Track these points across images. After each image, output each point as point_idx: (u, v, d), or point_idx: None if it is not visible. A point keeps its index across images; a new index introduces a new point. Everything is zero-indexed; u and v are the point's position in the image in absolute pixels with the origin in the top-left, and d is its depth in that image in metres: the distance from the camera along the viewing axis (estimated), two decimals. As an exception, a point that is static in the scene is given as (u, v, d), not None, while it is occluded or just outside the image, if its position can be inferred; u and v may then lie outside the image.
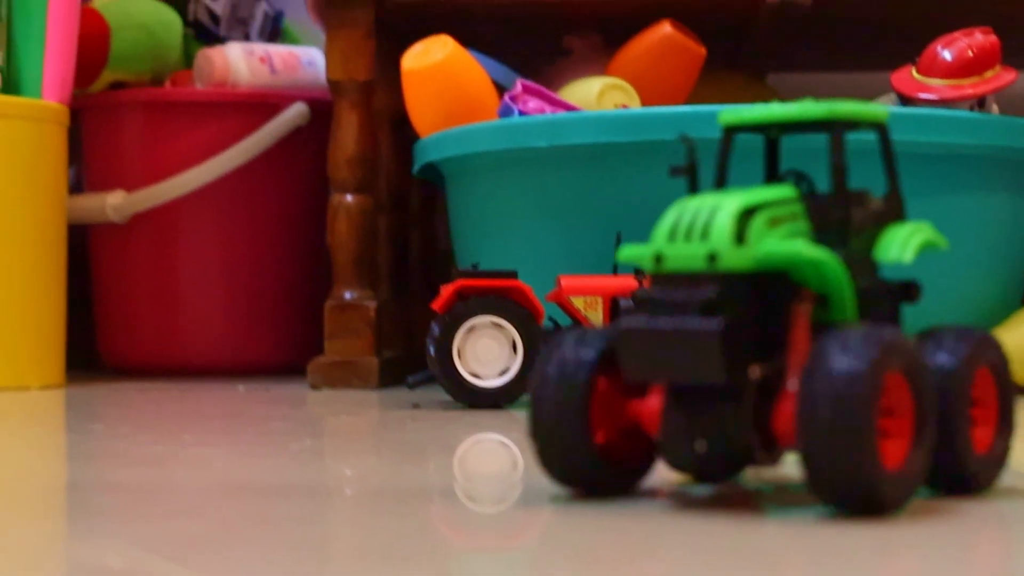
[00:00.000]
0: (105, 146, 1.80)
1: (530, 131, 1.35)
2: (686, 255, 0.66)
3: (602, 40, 1.65)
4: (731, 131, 0.72)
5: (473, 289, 1.25)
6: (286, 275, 1.81)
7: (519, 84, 1.43)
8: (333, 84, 1.56)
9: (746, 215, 0.66)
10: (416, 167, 1.52)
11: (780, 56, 1.81)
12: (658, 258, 0.66)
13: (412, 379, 1.33)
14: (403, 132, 1.73)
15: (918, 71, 1.41)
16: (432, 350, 1.24)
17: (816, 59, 1.89)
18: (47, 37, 1.58)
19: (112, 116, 1.79)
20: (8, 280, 1.53)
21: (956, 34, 1.40)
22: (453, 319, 1.24)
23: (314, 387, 1.53)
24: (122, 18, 1.74)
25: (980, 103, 1.40)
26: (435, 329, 1.24)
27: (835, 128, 0.69)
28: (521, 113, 1.41)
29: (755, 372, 0.65)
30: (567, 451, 0.68)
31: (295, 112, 1.76)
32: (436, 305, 1.24)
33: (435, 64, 1.43)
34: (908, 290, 0.71)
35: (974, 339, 0.71)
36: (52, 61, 1.58)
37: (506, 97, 1.42)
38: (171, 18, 1.78)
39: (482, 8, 1.62)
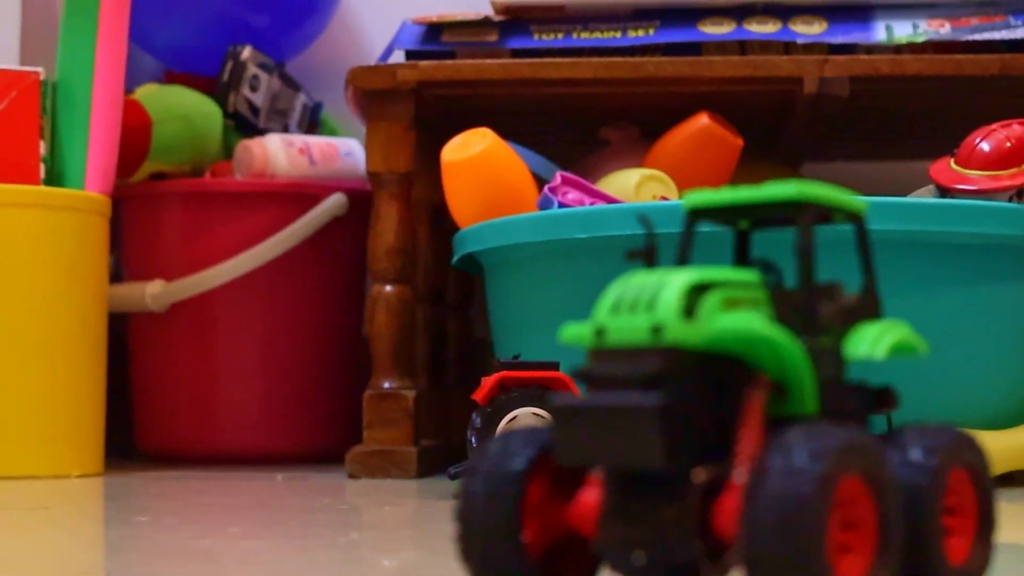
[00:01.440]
0: (145, 235, 1.81)
1: (569, 223, 1.36)
2: (629, 327, 0.59)
3: (639, 132, 1.67)
4: (695, 215, 0.65)
5: (515, 380, 1.25)
6: (323, 364, 1.82)
7: (558, 176, 1.44)
8: (373, 176, 1.58)
9: (697, 291, 0.60)
10: (455, 258, 1.52)
11: (816, 146, 1.82)
12: (599, 331, 0.60)
13: (454, 470, 1.33)
14: (440, 223, 1.75)
15: (956, 163, 1.41)
16: (474, 441, 1.24)
17: (852, 149, 1.90)
18: (90, 129, 1.60)
19: (152, 206, 1.81)
20: (49, 368, 1.54)
21: (994, 126, 1.41)
22: (495, 410, 1.24)
23: (352, 476, 1.53)
24: (163, 109, 1.76)
25: (1020, 194, 1.41)
26: (476, 420, 1.25)
27: (804, 211, 0.63)
28: (560, 205, 1.42)
29: (700, 475, 0.58)
30: (501, 572, 0.62)
31: (333, 202, 1.78)
32: (478, 396, 1.24)
33: (475, 156, 1.45)
34: (882, 396, 0.65)
35: (948, 438, 0.64)
36: (95, 153, 1.60)
37: (545, 189, 1.43)
38: (211, 109, 1.80)
39: (520, 101, 1.64)
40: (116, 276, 1.87)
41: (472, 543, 0.62)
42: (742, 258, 0.68)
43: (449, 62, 1.56)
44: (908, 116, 1.72)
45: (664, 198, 1.45)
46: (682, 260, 0.66)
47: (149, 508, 1.21)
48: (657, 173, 1.47)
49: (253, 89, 1.82)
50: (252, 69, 1.82)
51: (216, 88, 1.82)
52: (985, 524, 0.65)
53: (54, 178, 1.61)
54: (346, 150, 1.84)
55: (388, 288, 1.58)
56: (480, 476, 0.62)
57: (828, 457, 0.55)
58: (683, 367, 0.59)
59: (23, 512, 1.16)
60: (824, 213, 0.65)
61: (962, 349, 1.35)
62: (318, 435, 1.81)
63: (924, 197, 1.41)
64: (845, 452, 0.56)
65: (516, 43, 1.60)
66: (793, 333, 0.62)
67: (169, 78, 1.91)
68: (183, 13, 1.86)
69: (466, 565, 0.62)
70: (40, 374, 1.54)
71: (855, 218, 0.66)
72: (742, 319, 0.59)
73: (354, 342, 1.86)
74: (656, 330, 0.58)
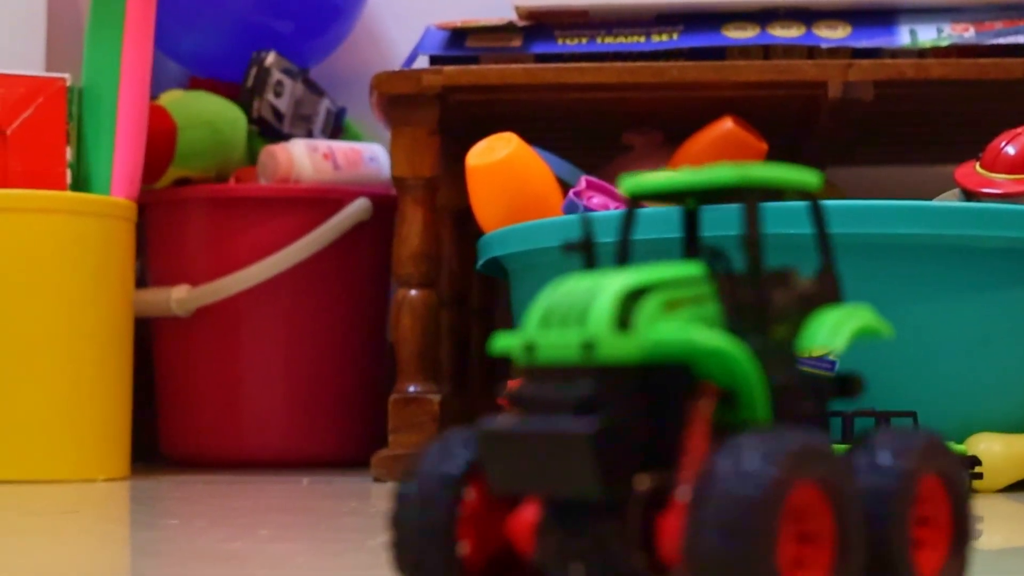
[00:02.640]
0: (170, 241, 1.82)
1: (594, 227, 1.37)
2: (559, 344, 0.55)
3: (662, 136, 1.67)
4: (635, 200, 0.61)
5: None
6: (347, 368, 1.82)
7: (583, 180, 1.44)
8: (398, 181, 1.58)
9: (633, 296, 0.55)
10: (480, 262, 1.53)
11: (840, 150, 1.82)
12: (529, 347, 0.56)
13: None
14: (465, 228, 1.75)
15: (982, 166, 1.41)
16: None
17: (876, 154, 1.90)
18: (116, 135, 1.61)
19: (177, 211, 1.81)
20: (76, 373, 1.55)
21: (1020, 129, 1.41)
22: (521, 414, 1.24)
23: (378, 480, 1.53)
24: (188, 115, 1.77)
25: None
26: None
27: (749, 196, 0.58)
28: (586, 209, 1.42)
29: (643, 482, 0.54)
30: None
31: (358, 207, 1.78)
32: (504, 401, 1.25)
33: (500, 161, 1.45)
34: (846, 384, 0.60)
35: (920, 442, 0.58)
36: (121, 158, 1.61)
37: (571, 193, 1.43)
38: (236, 115, 1.81)
39: (544, 106, 1.64)
40: (141, 281, 1.88)
41: (405, 551, 0.58)
42: (691, 238, 0.62)
43: (474, 67, 1.57)
44: (933, 120, 1.72)
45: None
46: (623, 250, 0.61)
47: (177, 512, 1.21)
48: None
49: (277, 95, 1.83)
50: (276, 75, 1.82)
51: (240, 94, 1.83)
52: (960, 536, 0.60)
53: (80, 184, 1.61)
54: (370, 155, 1.84)
55: (413, 292, 1.58)
56: (415, 479, 0.58)
57: (781, 461, 0.51)
58: (618, 386, 0.54)
59: (53, 517, 1.17)
60: (773, 192, 0.60)
61: (988, 353, 1.35)
62: (342, 439, 1.82)
63: (950, 201, 1.41)
64: (800, 456, 0.52)
65: (540, 48, 1.61)
66: (743, 330, 0.58)
67: (193, 84, 1.92)
68: (207, 19, 1.86)
69: (399, 575, 0.59)
70: (67, 379, 1.55)
71: (807, 195, 0.61)
72: (681, 329, 0.55)
73: (378, 347, 1.86)
74: (588, 346, 0.54)
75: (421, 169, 1.58)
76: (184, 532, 1.03)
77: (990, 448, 1.33)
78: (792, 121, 1.68)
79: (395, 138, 1.58)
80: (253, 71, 1.82)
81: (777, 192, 0.60)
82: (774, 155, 1.68)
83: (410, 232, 1.59)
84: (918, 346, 1.33)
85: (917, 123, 1.73)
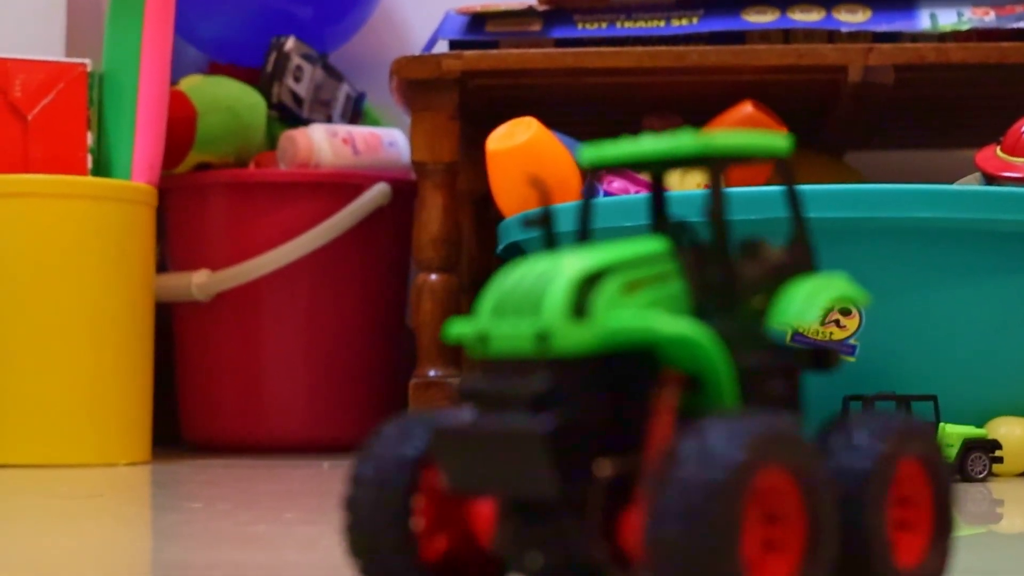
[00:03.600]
0: (190, 226, 1.83)
1: (614, 211, 1.37)
2: (512, 335, 0.52)
3: (682, 121, 1.67)
4: (595, 170, 0.58)
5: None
6: (367, 352, 1.83)
7: (603, 165, 1.45)
8: (418, 165, 1.59)
9: (590, 281, 0.52)
10: (500, 246, 1.53)
11: (860, 134, 1.82)
12: (482, 338, 0.53)
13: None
14: (484, 212, 1.75)
15: (1002, 150, 1.41)
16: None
17: (896, 138, 1.90)
18: (137, 120, 1.61)
19: (197, 196, 1.82)
20: (98, 357, 1.56)
21: (1040, 113, 1.41)
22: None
23: (398, 465, 1.53)
24: (208, 101, 1.78)
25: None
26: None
27: (714, 164, 0.55)
28: (605, 193, 1.42)
29: (604, 469, 0.51)
30: (391, 571, 0.55)
31: (377, 192, 1.78)
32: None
33: (520, 145, 1.45)
34: (820, 358, 0.57)
35: (899, 424, 0.56)
36: (142, 143, 1.61)
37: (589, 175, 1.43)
38: (256, 100, 1.81)
39: (563, 90, 1.64)
40: (161, 266, 1.88)
41: (359, 534, 0.56)
42: (658, 211, 0.59)
43: (493, 52, 1.57)
44: (953, 104, 1.71)
45: (707, 186, 1.46)
46: (584, 224, 0.58)
47: (200, 495, 1.22)
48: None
49: (297, 80, 1.83)
50: (296, 60, 1.83)
51: (260, 79, 1.83)
52: (942, 523, 0.57)
53: (101, 169, 1.62)
54: (389, 140, 1.85)
55: (433, 277, 1.59)
56: (371, 461, 0.56)
57: (746, 444, 0.48)
58: (576, 379, 0.51)
59: (79, 500, 1.17)
60: (739, 158, 0.56)
61: (1009, 337, 1.35)
62: (362, 423, 1.82)
63: (970, 185, 1.41)
64: (767, 440, 0.49)
65: (559, 33, 1.61)
66: (710, 309, 0.55)
67: (213, 70, 1.93)
68: (227, 5, 1.87)
69: (354, 560, 0.56)
70: (89, 363, 1.55)
71: (776, 160, 0.57)
72: (640, 316, 0.52)
73: (398, 331, 1.87)
74: (542, 338, 0.51)
75: (441, 154, 1.58)
76: (208, 515, 1.04)
77: (1011, 432, 1.33)
78: (812, 105, 1.68)
79: (415, 123, 1.59)
80: (273, 56, 1.83)
81: (744, 159, 0.57)
82: (794, 139, 1.68)
83: (430, 217, 1.59)
84: (938, 330, 1.33)
85: (937, 107, 1.73)
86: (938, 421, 1.29)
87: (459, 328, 0.54)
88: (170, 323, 1.87)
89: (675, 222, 0.57)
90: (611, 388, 0.52)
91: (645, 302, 0.53)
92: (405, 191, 1.81)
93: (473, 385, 0.53)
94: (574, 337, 0.51)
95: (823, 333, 1.32)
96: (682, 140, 0.55)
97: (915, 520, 0.56)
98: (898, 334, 1.32)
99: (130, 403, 1.59)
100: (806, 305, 0.55)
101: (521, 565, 0.53)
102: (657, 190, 0.59)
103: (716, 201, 0.54)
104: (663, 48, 1.55)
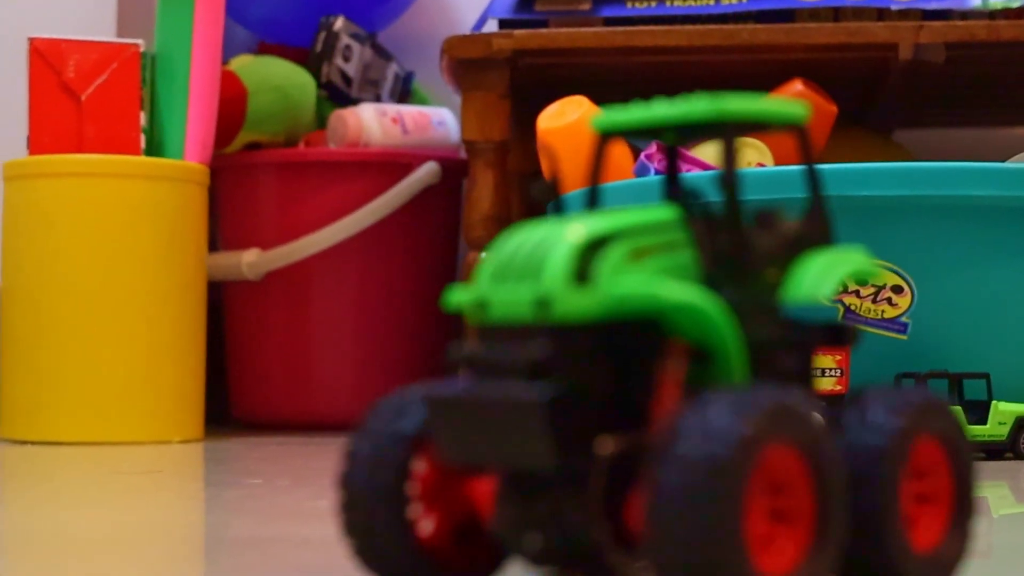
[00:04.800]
0: (240, 205, 1.84)
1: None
2: (512, 300, 0.50)
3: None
4: (606, 137, 0.56)
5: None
6: (417, 331, 1.84)
7: (654, 143, 1.45)
8: (469, 144, 1.59)
9: (594, 246, 0.50)
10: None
11: (910, 113, 1.81)
12: (481, 305, 0.51)
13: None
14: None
15: (1055, 128, 1.41)
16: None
17: (947, 116, 1.89)
18: (189, 100, 1.62)
19: (247, 176, 1.83)
20: (153, 336, 1.57)
21: (1093, 91, 1.40)
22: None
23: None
24: (258, 80, 1.79)
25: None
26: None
27: (727, 131, 0.53)
28: (656, 172, 1.43)
29: (606, 446, 0.49)
30: (386, 551, 0.54)
31: (427, 171, 1.79)
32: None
33: (571, 124, 1.46)
34: (839, 333, 0.55)
35: (917, 400, 0.53)
36: (194, 123, 1.62)
37: (642, 156, 1.44)
38: (305, 80, 1.82)
39: (613, 69, 1.64)
40: (212, 245, 1.89)
41: (354, 513, 0.54)
42: (671, 178, 0.57)
43: (544, 31, 1.58)
44: (1004, 82, 1.71)
45: (761, 164, 1.46)
46: (593, 190, 0.56)
47: (258, 471, 1.23)
48: (753, 140, 1.47)
49: (346, 59, 1.84)
50: (345, 39, 1.83)
51: (309, 59, 1.84)
52: (962, 506, 0.54)
53: (154, 149, 1.63)
54: (438, 119, 1.85)
55: (483, 255, 1.59)
56: (367, 437, 0.54)
57: (753, 418, 0.46)
58: (577, 347, 0.49)
59: (139, 476, 1.19)
60: (753, 125, 0.54)
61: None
62: (411, 402, 1.83)
63: (1022, 163, 1.41)
64: (774, 415, 0.47)
65: (609, 11, 1.61)
66: (721, 280, 0.52)
67: (262, 49, 1.94)
68: (276, -15, 1.88)
69: (348, 539, 0.55)
70: (144, 341, 1.57)
71: (794, 128, 0.55)
72: (646, 282, 0.50)
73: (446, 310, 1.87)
74: (542, 304, 0.49)
75: (492, 133, 1.59)
76: (269, 491, 1.05)
77: (1064, 410, 1.33)
78: (862, 84, 1.68)
79: (466, 102, 1.59)
80: (322, 36, 1.83)
81: (759, 125, 0.54)
82: (843, 117, 1.68)
83: (481, 195, 1.60)
84: (991, 308, 1.33)
85: (988, 85, 1.72)
86: (991, 399, 1.30)
87: (458, 295, 0.52)
88: (220, 302, 1.88)
89: (688, 189, 0.55)
90: (614, 359, 0.50)
91: (652, 270, 0.51)
92: (454, 170, 1.81)
93: (470, 352, 0.51)
94: (575, 304, 0.49)
95: (875, 311, 1.32)
96: (695, 105, 0.53)
97: (933, 501, 0.54)
98: (950, 312, 1.32)
99: (184, 381, 1.61)
100: (821, 279, 0.54)
101: (519, 547, 0.51)
102: (672, 157, 0.57)
103: (729, 168, 0.52)
104: (713, 27, 1.55)
